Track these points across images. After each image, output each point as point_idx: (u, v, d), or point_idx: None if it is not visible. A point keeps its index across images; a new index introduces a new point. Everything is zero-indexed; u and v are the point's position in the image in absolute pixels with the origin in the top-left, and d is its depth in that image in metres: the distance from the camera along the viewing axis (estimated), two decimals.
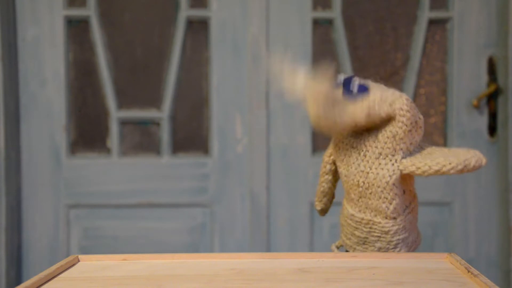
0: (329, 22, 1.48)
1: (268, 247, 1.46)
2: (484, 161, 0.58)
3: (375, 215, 0.61)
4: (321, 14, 1.47)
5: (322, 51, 1.48)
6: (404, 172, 0.59)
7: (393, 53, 1.50)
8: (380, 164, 0.60)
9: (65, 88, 1.45)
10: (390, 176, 0.59)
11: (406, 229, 0.62)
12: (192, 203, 1.46)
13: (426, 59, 1.49)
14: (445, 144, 1.49)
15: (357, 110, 0.58)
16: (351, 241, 0.63)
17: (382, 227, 0.60)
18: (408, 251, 0.62)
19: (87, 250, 1.45)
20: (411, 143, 0.60)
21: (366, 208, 0.61)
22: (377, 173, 0.59)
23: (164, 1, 1.48)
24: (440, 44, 1.49)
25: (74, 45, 1.48)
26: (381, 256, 0.57)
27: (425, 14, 1.47)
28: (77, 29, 1.47)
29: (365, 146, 0.61)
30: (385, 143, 0.59)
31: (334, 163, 0.66)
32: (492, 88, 1.46)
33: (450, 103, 1.48)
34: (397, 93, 0.60)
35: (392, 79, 1.49)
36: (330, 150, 0.66)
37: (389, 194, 0.59)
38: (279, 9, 1.45)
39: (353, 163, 0.61)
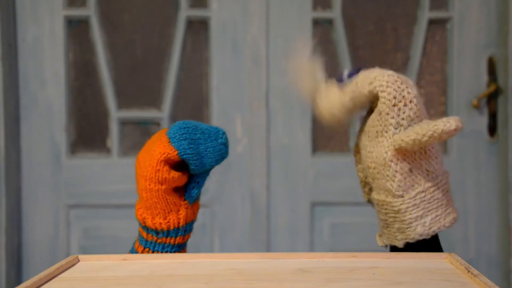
0: (329, 22, 1.48)
1: (268, 247, 1.46)
2: (459, 125, 0.55)
3: (387, 195, 0.61)
4: (321, 14, 1.47)
5: (322, 51, 1.48)
6: (397, 147, 0.58)
7: (393, 53, 1.50)
8: (378, 142, 0.60)
9: (65, 88, 1.45)
10: (385, 152, 0.59)
11: (419, 207, 0.60)
12: None
13: (426, 59, 1.49)
14: (445, 144, 1.48)
15: (342, 94, 0.60)
16: (379, 226, 0.64)
17: (393, 206, 0.61)
18: (428, 232, 0.62)
19: (87, 250, 1.45)
20: (402, 118, 0.58)
21: (380, 189, 0.61)
22: (377, 152, 0.60)
23: (164, 1, 1.48)
24: (440, 44, 1.49)
25: (74, 45, 1.48)
26: (381, 256, 0.57)
27: (425, 14, 1.47)
28: (77, 29, 1.47)
29: (369, 127, 0.62)
30: (378, 120, 0.60)
31: (359, 151, 0.68)
32: (492, 88, 1.46)
33: (450, 103, 1.48)
34: (383, 71, 0.61)
35: None
36: (356, 140, 0.68)
37: (388, 171, 0.59)
38: (279, 9, 1.45)
39: (363, 146, 0.63)
